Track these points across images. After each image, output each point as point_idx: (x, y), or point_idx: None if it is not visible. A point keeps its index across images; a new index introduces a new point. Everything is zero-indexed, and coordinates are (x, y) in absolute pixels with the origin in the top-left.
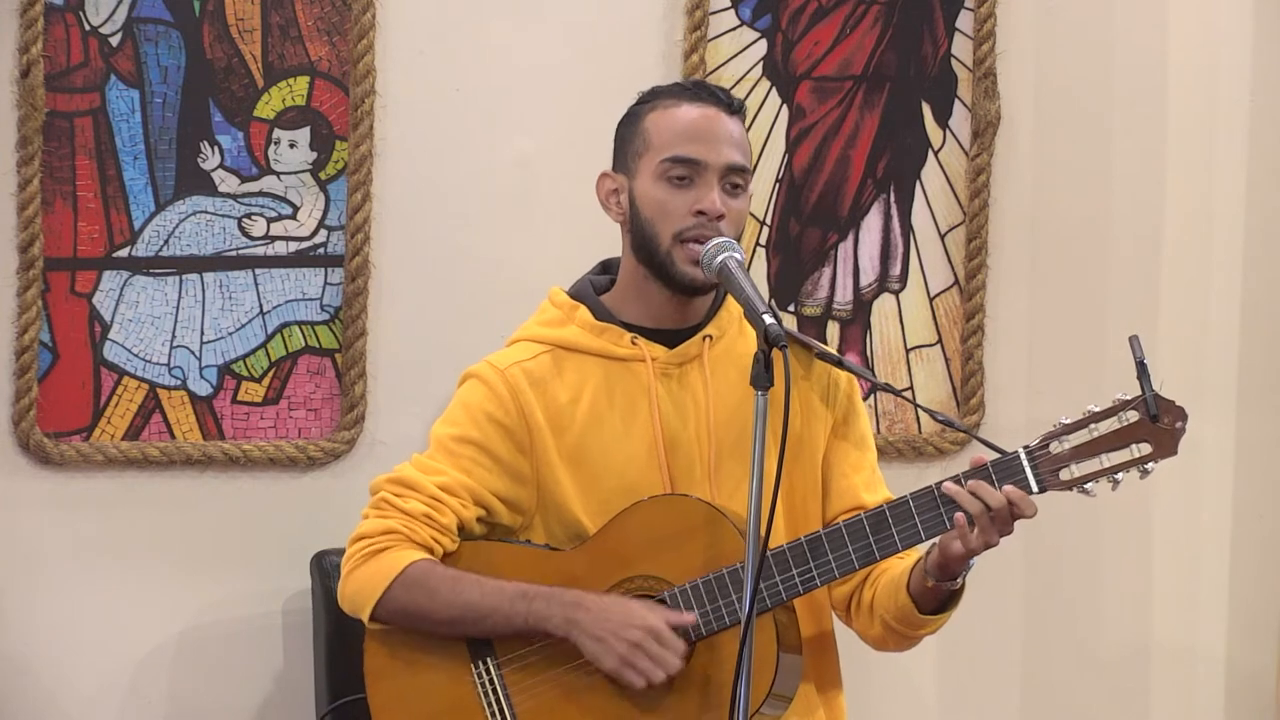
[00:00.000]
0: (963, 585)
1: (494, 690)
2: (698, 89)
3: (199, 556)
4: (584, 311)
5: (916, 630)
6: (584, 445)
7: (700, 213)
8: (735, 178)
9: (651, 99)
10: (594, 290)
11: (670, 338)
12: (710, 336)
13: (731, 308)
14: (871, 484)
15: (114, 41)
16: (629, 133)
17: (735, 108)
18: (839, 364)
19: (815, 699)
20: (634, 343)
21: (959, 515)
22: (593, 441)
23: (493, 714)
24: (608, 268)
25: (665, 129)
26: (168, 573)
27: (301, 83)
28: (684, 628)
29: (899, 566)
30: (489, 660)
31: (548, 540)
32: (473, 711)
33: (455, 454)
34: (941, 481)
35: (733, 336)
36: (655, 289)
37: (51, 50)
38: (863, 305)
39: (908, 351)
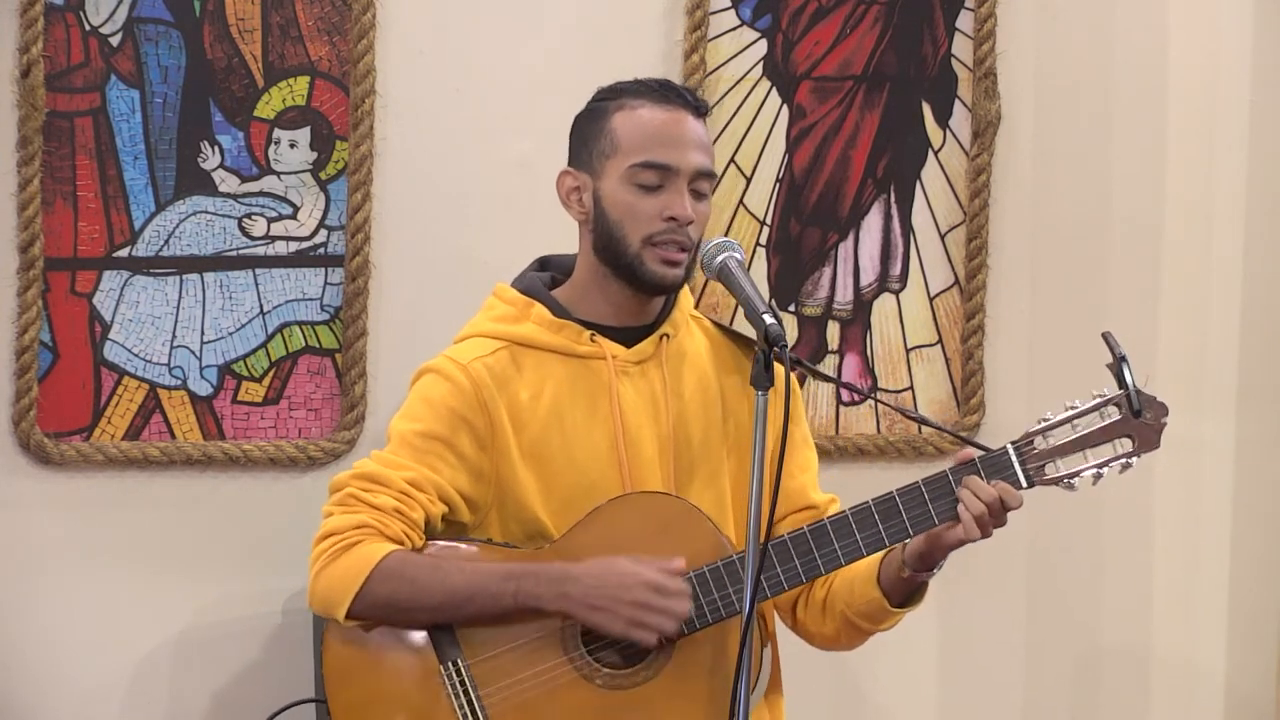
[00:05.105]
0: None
1: (464, 690)
2: (665, 90)
3: (199, 556)
4: (540, 308)
5: (879, 624)
6: (545, 442)
7: (671, 218)
8: (702, 182)
9: (615, 97)
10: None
11: (625, 335)
12: (667, 335)
13: (683, 306)
14: (816, 484)
15: (114, 41)
16: (593, 130)
17: (701, 109)
18: (822, 377)
19: (760, 702)
20: (593, 340)
21: (962, 507)
22: (554, 438)
23: (463, 715)
24: (546, 264)
25: (634, 132)
26: (168, 573)
27: (302, 83)
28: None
29: (857, 564)
30: (458, 660)
31: (504, 538)
32: (442, 713)
33: (420, 450)
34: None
35: (684, 335)
36: (617, 288)
37: (52, 50)
38: (863, 305)
39: (908, 351)
